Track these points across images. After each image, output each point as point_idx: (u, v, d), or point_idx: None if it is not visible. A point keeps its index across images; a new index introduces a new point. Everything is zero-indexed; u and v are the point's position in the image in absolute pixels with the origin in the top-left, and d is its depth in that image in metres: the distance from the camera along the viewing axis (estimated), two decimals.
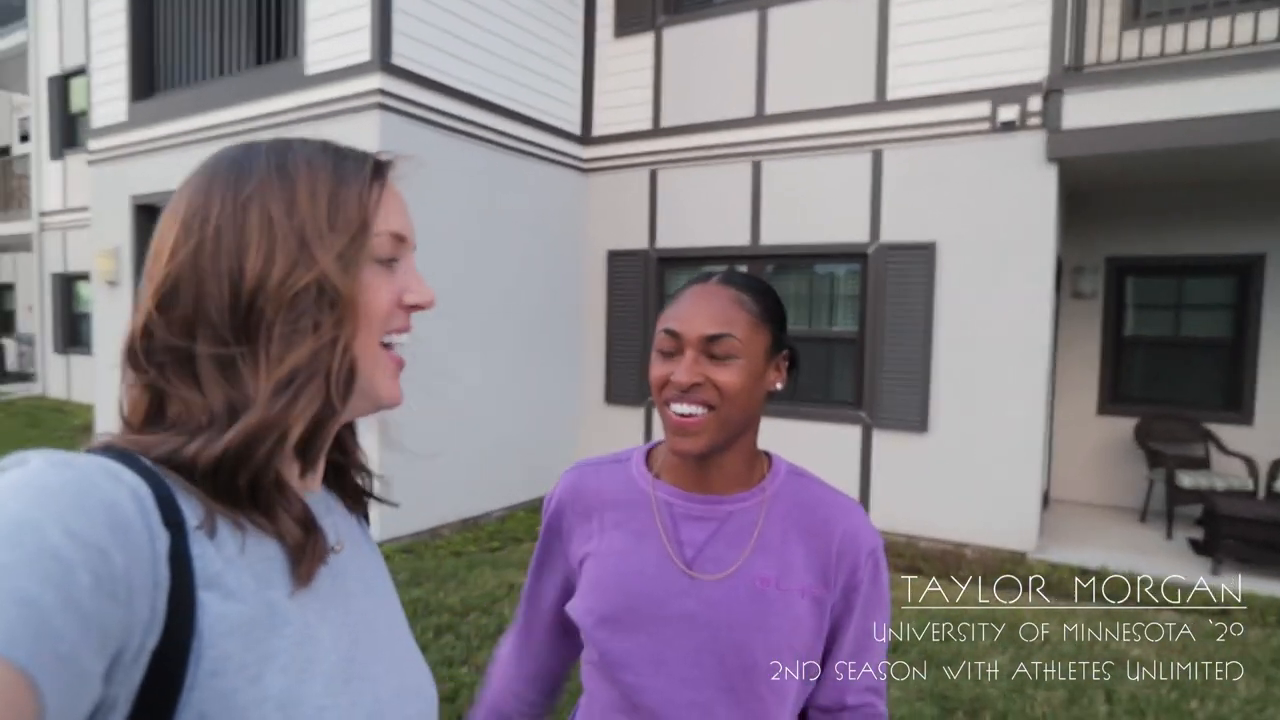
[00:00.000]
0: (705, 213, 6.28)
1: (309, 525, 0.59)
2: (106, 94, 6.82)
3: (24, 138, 13.84)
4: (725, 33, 6.13)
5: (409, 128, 5.17)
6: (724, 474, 1.01)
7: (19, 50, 11.93)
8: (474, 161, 5.69)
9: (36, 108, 11.53)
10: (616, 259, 6.69)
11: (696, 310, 0.95)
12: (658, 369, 0.97)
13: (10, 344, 14.89)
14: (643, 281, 6.54)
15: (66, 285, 11.55)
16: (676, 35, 6.35)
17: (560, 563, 1.10)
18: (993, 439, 5.17)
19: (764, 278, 5.91)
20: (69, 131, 11.11)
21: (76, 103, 10.90)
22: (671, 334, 0.95)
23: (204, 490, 0.53)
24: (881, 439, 5.57)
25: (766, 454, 1.08)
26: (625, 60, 6.62)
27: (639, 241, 6.58)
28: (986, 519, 5.21)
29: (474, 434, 5.69)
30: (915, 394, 5.40)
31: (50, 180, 11.45)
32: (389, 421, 0.72)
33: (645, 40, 6.50)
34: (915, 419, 5.40)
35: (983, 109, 5.13)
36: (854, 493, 5.68)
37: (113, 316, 6.99)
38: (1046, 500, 6.25)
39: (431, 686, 0.70)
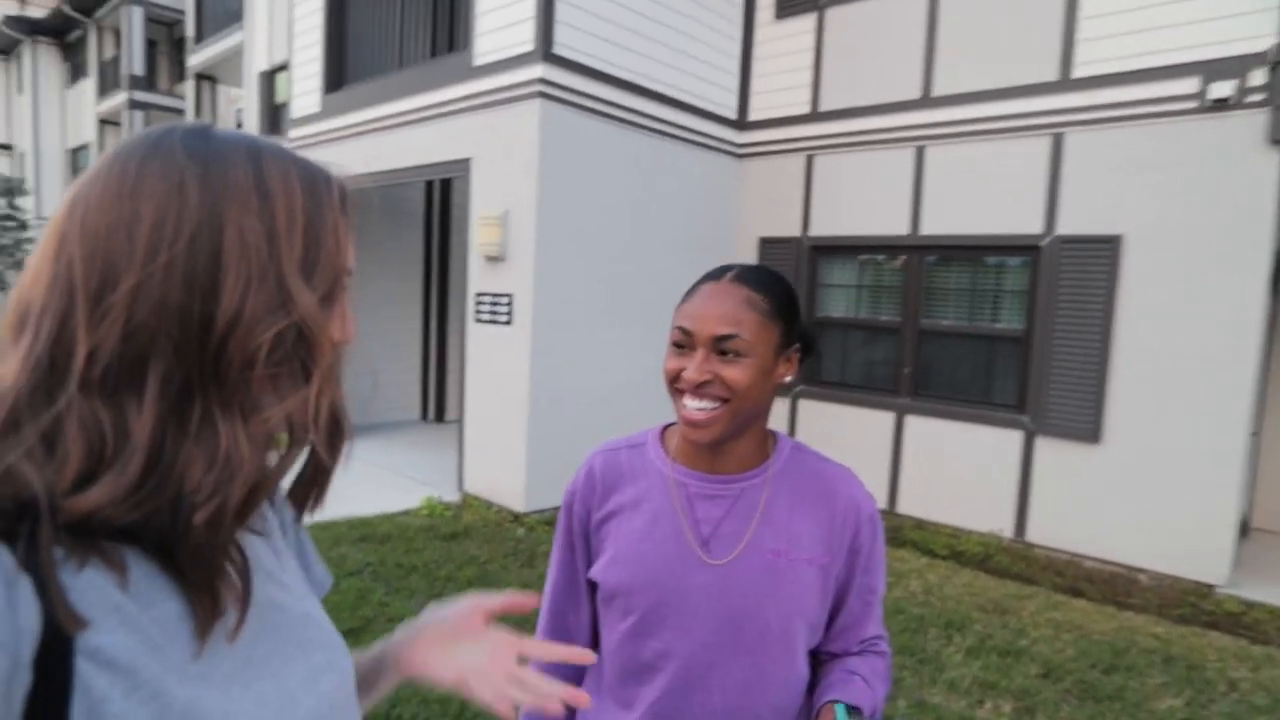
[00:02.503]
0: (862, 201, 6.03)
1: (246, 580, 0.56)
2: (304, 87, 7.50)
3: (238, 126, 15.55)
4: (892, 10, 5.82)
5: (567, 115, 5.32)
6: (736, 456, 1.08)
7: (236, 49, 13.35)
8: (630, 148, 5.77)
9: (248, 100, 12.90)
10: (769, 246, 6.58)
11: (708, 308, 1.01)
12: (672, 361, 1.03)
13: None
14: (795, 270, 6.39)
15: None
16: (840, 15, 6.11)
17: (584, 544, 1.15)
18: (1181, 455, 4.64)
19: (924, 268, 5.65)
20: (274, 121, 12.35)
21: (280, 95, 12.08)
22: (684, 331, 1.02)
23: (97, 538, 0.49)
24: (1046, 447, 5.15)
25: (773, 433, 1.14)
26: (785, 43, 6.45)
27: (792, 229, 6.43)
28: (1167, 543, 4.70)
29: (627, 415, 5.82)
30: (1088, 400, 4.94)
31: None
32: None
33: (807, 21, 6.30)
34: (1087, 427, 4.94)
35: (1188, 85, 4.56)
36: (1010, 501, 5.30)
37: None
38: (1245, 529, 5.54)
39: (345, 657, 0.66)
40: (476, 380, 5.82)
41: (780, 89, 6.48)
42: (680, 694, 1.05)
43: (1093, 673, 3.51)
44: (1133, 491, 4.80)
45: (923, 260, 5.79)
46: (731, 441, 1.05)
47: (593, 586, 1.15)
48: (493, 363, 5.64)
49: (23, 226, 17.73)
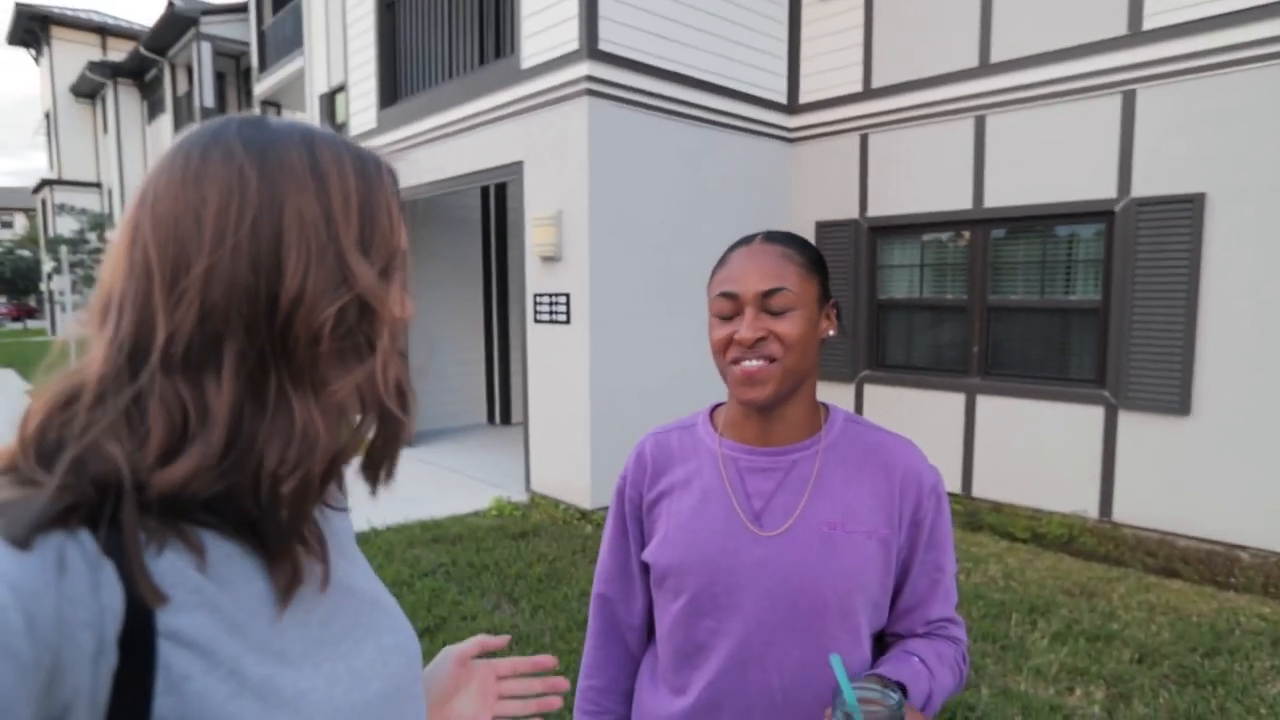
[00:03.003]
0: (920, 177, 5.85)
1: (320, 548, 0.59)
2: (360, 105, 7.73)
3: None
4: None
5: (616, 111, 5.33)
6: (787, 424, 1.05)
7: (298, 74, 13.85)
8: (679, 139, 5.75)
9: (311, 121, 13.38)
10: (825, 230, 6.45)
11: (748, 269, 1.00)
12: (719, 331, 1.01)
13: None
14: (853, 252, 6.26)
15: None
16: None
17: (637, 527, 1.14)
18: None
19: (989, 242, 5.45)
20: None
21: (340, 115, 12.49)
22: (729, 296, 1.00)
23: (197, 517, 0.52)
24: (1130, 421, 4.89)
25: (825, 405, 1.11)
26: (833, 21, 6.31)
27: (849, 211, 6.29)
28: (1269, 518, 4.40)
29: (687, 407, 5.78)
30: (1174, 371, 4.67)
31: None
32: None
33: None
34: (1174, 400, 4.67)
35: (1270, 28, 4.27)
36: (1093, 479, 5.06)
37: None
38: None
39: (411, 638, 0.68)
40: (538, 380, 5.89)
41: (830, 69, 6.35)
42: (736, 674, 1.02)
43: (1193, 657, 3.32)
44: (1228, 465, 4.52)
45: (988, 234, 5.58)
46: (783, 406, 1.03)
47: (646, 570, 1.13)
48: (553, 362, 5.69)
49: None
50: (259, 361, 0.53)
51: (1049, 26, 5.09)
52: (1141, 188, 4.77)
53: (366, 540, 4.78)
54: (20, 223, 46.25)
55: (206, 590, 0.51)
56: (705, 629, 1.04)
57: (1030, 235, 5.43)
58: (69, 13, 24.46)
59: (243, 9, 17.74)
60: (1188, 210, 4.57)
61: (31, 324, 37.59)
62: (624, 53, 5.33)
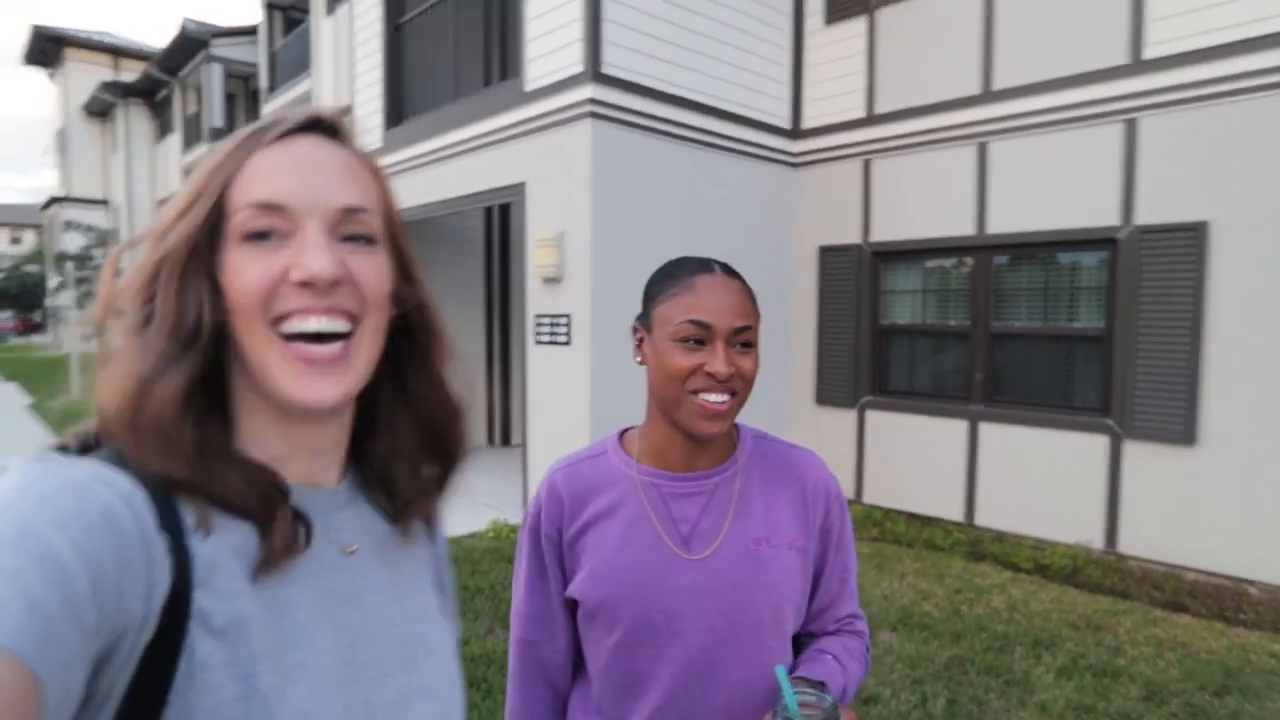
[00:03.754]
0: (924, 203, 5.85)
1: (271, 503, 0.56)
2: (366, 125, 7.77)
3: None
4: (946, 5, 5.66)
5: (619, 133, 5.34)
6: (710, 448, 1.08)
7: (305, 96, 13.99)
8: (682, 162, 5.75)
9: None
10: (828, 255, 6.44)
11: (723, 302, 1.00)
12: (682, 359, 1.00)
13: None
14: (855, 277, 6.23)
15: None
16: (892, 15, 5.98)
17: (557, 565, 1.11)
18: None
19: (992, 268, 5.42)
20: None
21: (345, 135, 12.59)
22: (701, 325, 0.99)
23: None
24: (1135, 451, 4.83)
25: (734, 424, 1.13)
26: (836, 48, 6.35)
27: (852, 236, 6.28)
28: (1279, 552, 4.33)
29: None
30: (1179, 401, 4.62)
31: None
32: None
33: (858, 24, 6.18)
34: (1178, 429, 4.62)
35: (1273, 58, 4.27)
36: (1098, 510, 4.99)
37: None
38: None
39: (453, 687, 0.67)
40: (538, 401, 5.85)
41: (834, 95, 6.37)
42: (680, 698, 1.02)
43: (1202, 695, 3.23)
44: (1237, 496, 4.45)
45: (991, 260, 5.56)
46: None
47: (569, 607, 1.11)
48: (554, 383, 5.65)
49: (117, 274, 18.85)
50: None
51: (1051, 54, 5.11)
52: (1145, 215, 4.75)
53: None
54: (30, 239, 46.62)
55: (239, 585, 0.53)
56: (645, 658, 1.03)
57: (1033, 262, 5.40)
58: (83, 34, 24.81)
59: (252, 32, 17.97)
60: (1191, 238, 4.55)
61: (35, 339, 37.72)
62: (628, 76, 5.35)
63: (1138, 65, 4.73)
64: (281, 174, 0.57)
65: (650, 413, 1.10)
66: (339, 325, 0.57)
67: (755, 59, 6.27)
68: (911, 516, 5.89)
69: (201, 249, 0.56)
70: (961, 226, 5.61)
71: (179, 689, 0.48)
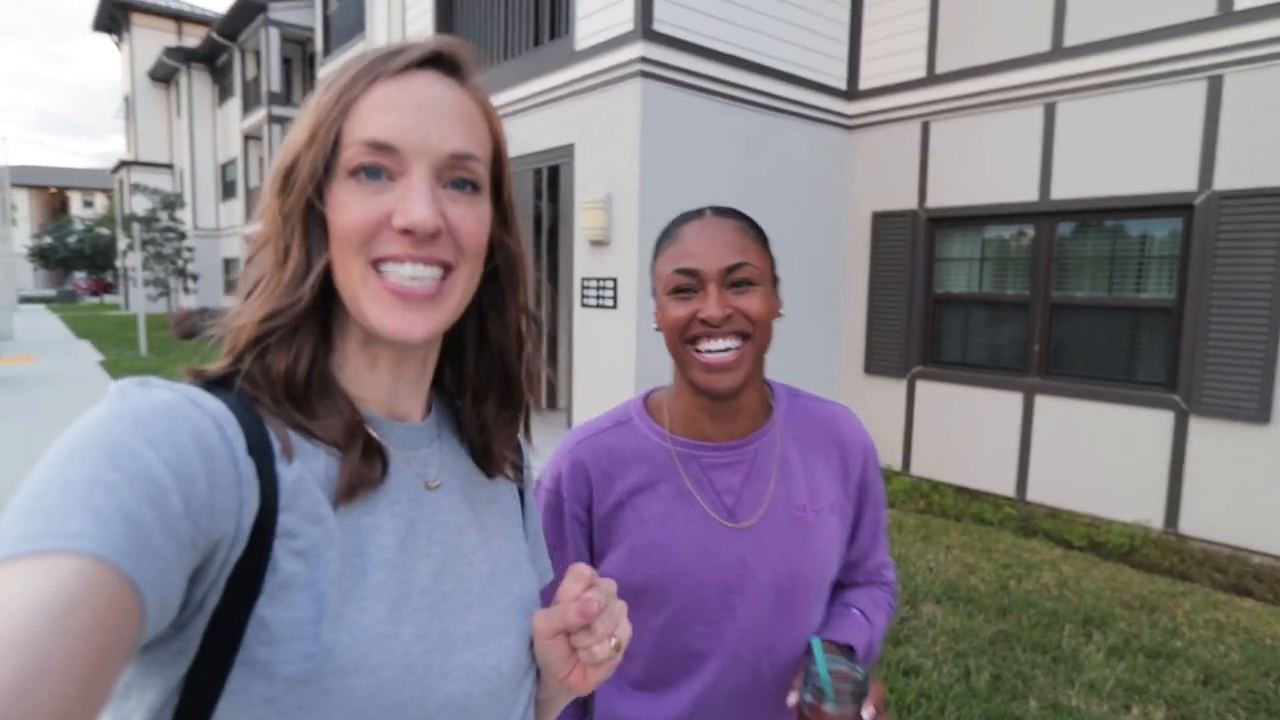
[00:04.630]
0: (984, 167, 5.62)
1: (357, 430, 0.59)
2: None
3: None
4: None
5: (669, 93, 5.23)
6: (746, 414, 1.01)
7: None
8: (734, 124, 5.63)
9: None
10: (882, 220, 6.26)
11: (709, 243, 0.93)
12: (676, 310, 0.94)
13: None
14: (910, 244, 6.05)
15: None
16: None
17: (586, 543, 1.04)
18: None
19: (1055, 235, 5.20)
20: None
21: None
22: (687, 272, 0.93)
23: (278, 401, 0.56)
24: (1202, 429, 4.62)
25: (766, 382, 1.07)
26: (897, 4, 6.10)
27: (907, 201, 6.09)
28: None
29: None
30: (1253, 377, 4.39)
31: None
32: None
33: None
34: (1252, 407, 4.39)
35: None
36: (1159, 488, 4.80)
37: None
38: None
39: (527, 631, 0.67)
40: (584, 365, 5.86)
41: (893, 54, 6.14)
42: (734, 671, 0.99)
43: (1265, 681, 3.10)
44: None
45: (1054, 227, 5.33)
46: (743, 393, 0.99)
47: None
48: (599, 347, 5.65)
49: (181, 236, 19.46)
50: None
51: (1129, 8, 4.81)
52: (1225, 180, 4.48)
53: None
54: (101, 202, 48.39)
55: (322, 510, 0.54)
56: (698, 635, 0.99)
57: (1100, 229, 5.16)
58: (148, 0, 25.36)
59: None
60: (1276, 205, 4.27)
61: (107, 299, 39.31)
62: (679, 34, 5.23)
63: (1227, 17, 4.42)
64: (396, 111, 0.57)
65: (676, 379, 1.03)
66: (433, 273, 0.59)
67: (811, 16, 6.06)
68: (960, 489, 5.76)
69: (321, 180, 0.58)
70: (1024, 192, 5.38)
71: (262, 604, 0.50)
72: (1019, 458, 5.46)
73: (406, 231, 0.56)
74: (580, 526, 1.03)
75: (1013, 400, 5.48)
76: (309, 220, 0.57)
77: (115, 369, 12.03)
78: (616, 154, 5.32)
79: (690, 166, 5.41)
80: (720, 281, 0.92)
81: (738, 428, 1.01)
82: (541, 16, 6.27)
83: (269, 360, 0.57)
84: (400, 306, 0.57)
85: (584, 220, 5.57)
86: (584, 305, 5.78)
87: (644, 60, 5.06)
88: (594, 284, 5.64)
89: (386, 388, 0.63)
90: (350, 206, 0.56)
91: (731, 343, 0.92)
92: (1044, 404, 5.33)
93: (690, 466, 1.00)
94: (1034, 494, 5.40)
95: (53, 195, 52.54)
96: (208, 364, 0.58)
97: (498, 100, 6.19)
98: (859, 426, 1.09)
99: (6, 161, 25.21)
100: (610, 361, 5.50)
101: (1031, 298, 5.44)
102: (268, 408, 0.56)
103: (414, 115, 0.57)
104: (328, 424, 0.57)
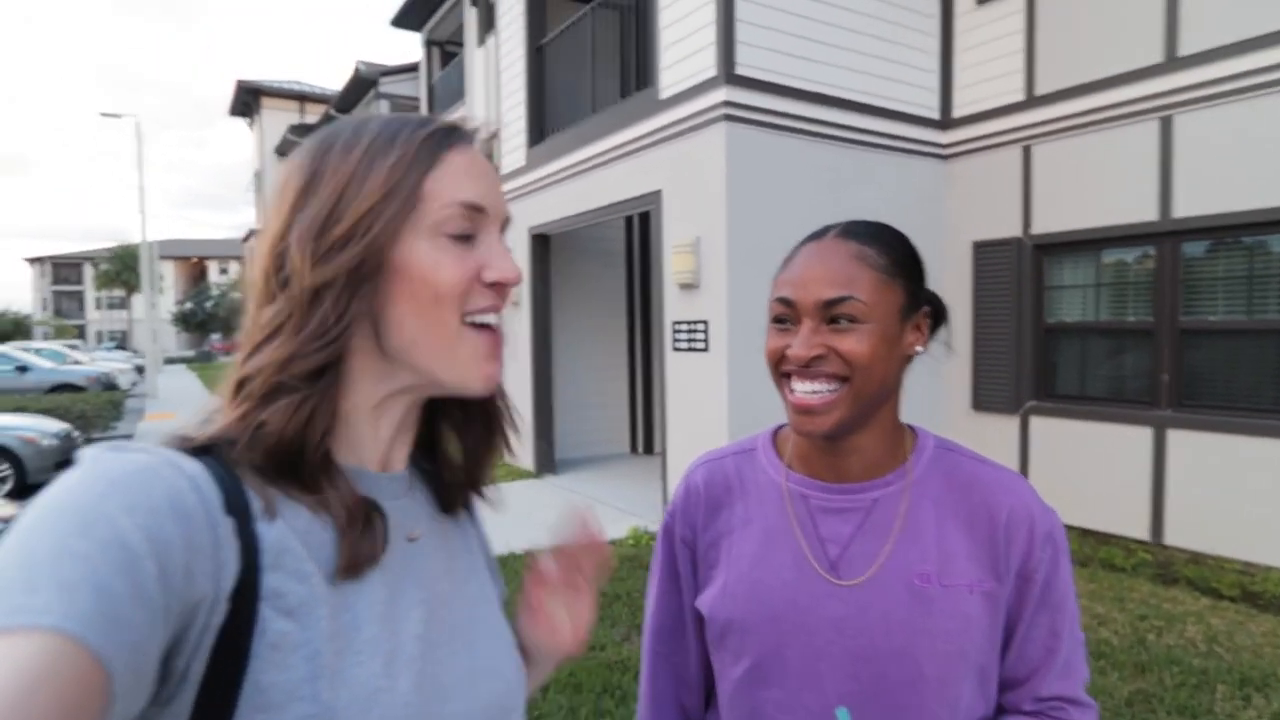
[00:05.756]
0: (1093, 188, 5.31)
1: (357, 511, 0.57)
2: (511, 145, 8.12)
3: None
4: None
5: (754, 134, 5.24)
6: (864, 457, 0.87)
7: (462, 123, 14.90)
8: (821, 160, 5.57)
9: None
10: (984, 250, 6.00)
11: (812, 272, 0.83)
12: (774, 341, 0.85)
13: None
14: (1015, 273, 5.76)
15: None
16: None
17: (690, 572, 0.97)
18: None
19: (1180, 256, 4.82)
20: None
21: (495, 157, 13.31)
22: (785, 302, 0.84)
23: (266, 468, 0.54)
24: None
25: (911, 428, 0.93)
26: (990, 28, 5.92)
27: (1010, 229, 5.81)
28: None
29: None
30: None
31: None
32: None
33: (1014, 1, 5.74)
34: None
35: None
36: None
37: (517, 331, 8.27)
38: None
39: (514, 667, 0.68)
40: (677, 409, 5.83)
41: (987, 79, 5.94)
42: None
43: None
44: None
45: (1178, 248, 4.95)
46: (856, 435, 0.86)
47: (701, 620, 0.97)
48: (691, 390, 5.61)
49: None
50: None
51: (1249, 10, 4.49)
52: None
53: (502, 564, 4.87)
54: (235, 269, 52.82)
55: (307, 568, 0.53)
56: (772, 702, 0.86)
57: (1233, 246, 4.75)
58: (275, 84, 27.84)
59: (414, 69, 19.37)
60: None
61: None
62: (762, 75, 5.25)
63: None
64: (481, 178, 0.61)
65: None
66: (499, 320, 0.63)
67: (899, 48, 5.97)
68: (1085, 532, 5.32)
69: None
70: (1141, 212, 5.04)
71: (255, 669, 0.49)
72: (1152, 497, 5.01)
73: (497, 285, 0.61)
74: (688, 552, 0.97)
75: (1141, 435, 5.06)
76: (358, 274, 0.57)
77: None
78: (703, 198, 5.35)
79: (778, 206, 5.36)
80: (817, 316, 0.82)
81: (855, 471, 0.88)
82: (628, 69, 6.45)
83: (267, 422, 0.54)
84: (492, 357, 0.61)
85: (674, 264, 5.60)
86: (675, 349, 5.78)
87: (727, 104, 5.09)
88: (685, 327, 5.64)
89: (386, 442, 0.64)
90: (446, 265, 0.58)
91: (822, 386, 0.82)
92: (1178, 438, 4.89)
93: (799, 507, 0.89)
94: (1172, 537, 4.93)
95: (193, 265, 57.81)
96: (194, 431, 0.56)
97: (588, 151, 6.41)
98: (1028, 498, 0.87)
99: (158, 237, 27.82)
100: (703, 404, 5.45)
101: (1156, 324, 5.04)
102: (248, 469, 0.54)
103: (490, 180, 0.63)
104: (326, 500, 0.56)
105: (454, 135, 0.61)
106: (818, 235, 0.88)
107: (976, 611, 0.83)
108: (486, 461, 0.72)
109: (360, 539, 0.57)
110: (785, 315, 0.85)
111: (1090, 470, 5.32)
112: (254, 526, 0.51)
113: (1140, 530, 5.06)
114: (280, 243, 0.57)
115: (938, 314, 0.92)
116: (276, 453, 0.54)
